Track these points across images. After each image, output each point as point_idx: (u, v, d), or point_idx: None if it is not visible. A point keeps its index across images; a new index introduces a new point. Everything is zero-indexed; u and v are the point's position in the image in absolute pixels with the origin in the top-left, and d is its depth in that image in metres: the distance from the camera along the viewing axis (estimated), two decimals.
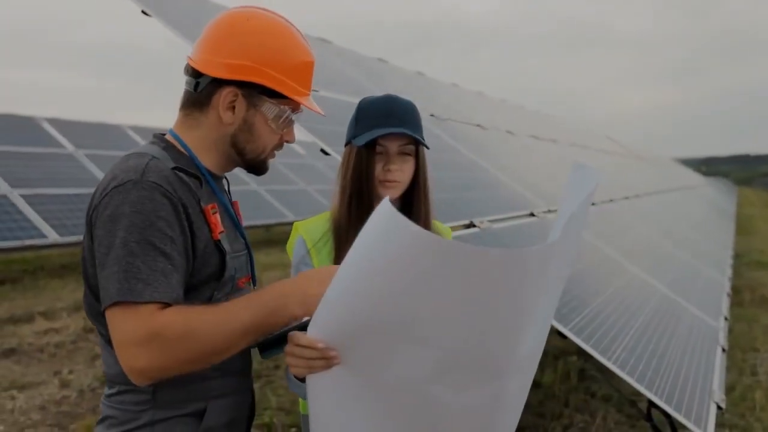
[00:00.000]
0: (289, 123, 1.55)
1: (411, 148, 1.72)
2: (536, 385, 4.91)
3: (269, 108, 1.49)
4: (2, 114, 10.51)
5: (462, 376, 1.33)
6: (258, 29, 1.48)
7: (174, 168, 1.40)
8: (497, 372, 1.35)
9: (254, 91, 1.47)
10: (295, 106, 1.52)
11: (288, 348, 1.34)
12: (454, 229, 3.08)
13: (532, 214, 3.98)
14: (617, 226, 5.43)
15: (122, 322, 1.28)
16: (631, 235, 5.38)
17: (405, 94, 5.87)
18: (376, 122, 1.68)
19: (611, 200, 6.38)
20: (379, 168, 1.70)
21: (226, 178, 1.70)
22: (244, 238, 1.62)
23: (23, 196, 8.91)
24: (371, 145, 1.70)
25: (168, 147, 1.48)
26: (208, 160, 1.52)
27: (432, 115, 5.12)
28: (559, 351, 5.57)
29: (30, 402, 4.57)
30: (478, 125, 6.02)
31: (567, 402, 4.67)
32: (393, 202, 1.76)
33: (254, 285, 1.66)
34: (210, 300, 1.44)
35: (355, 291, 1.23)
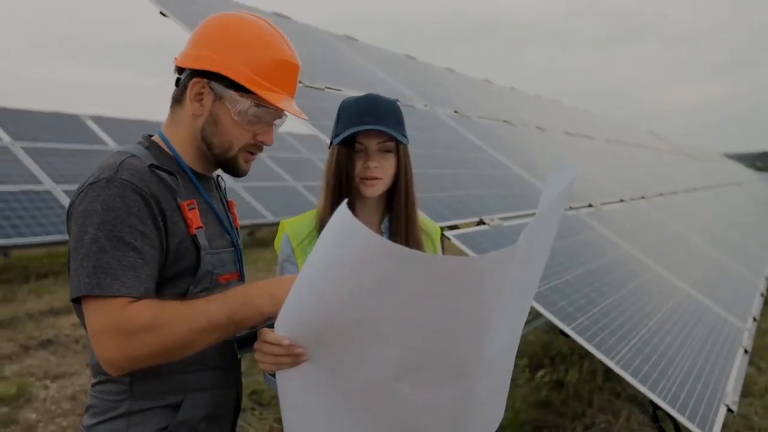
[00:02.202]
0: (260, 121, 1.56)
1: (391, 145, 1.73)
2: (560, 384, 4.87)
3: (232, 100, 1.51)
4: (49, 112, 10.86)
5: (427, 375, 1.34)
6: (233, 27, 1.53)
7: (150, 165, 1.45)
8: (463, 372, 1.36)
9: (222, 84, 1.50)
10: (261, 102, 1.53)
11: (256, 344, 1.37)
12: (464, 226, 3.08)
13: None
14: (645, 223, 5.33)
15: (94, 314, 1.34)
16: (659, 233, 5.28)
17: (432, 91, 5.85)
18: (354, 121, 1.71)
19: (643, 197, 6.26)
20: (359, 166, 1.72)
21: (221, 178, 1.77)
22: (231, 236, 1.65)
23: (66, 192, 9.18)
24: (351, 143, 1.72)
25: (151, 146, 1.54)
26: (189, 157, 1.57)
27: (456, 112, 5.10)
28: (585, 350, 5.50)
29: (62, 392, 4.72)
30: (505, 121, 5.97)
31: (591, 402, 4.61)
32: (374, 199, 1.78)
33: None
34: (186, 293, 1.47)
35: (315, 292, 1.26)
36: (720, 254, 5.89)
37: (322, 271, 1.22)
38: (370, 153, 1.72)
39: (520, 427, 4.13)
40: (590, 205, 4.67)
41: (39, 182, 9.12)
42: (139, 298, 1.36)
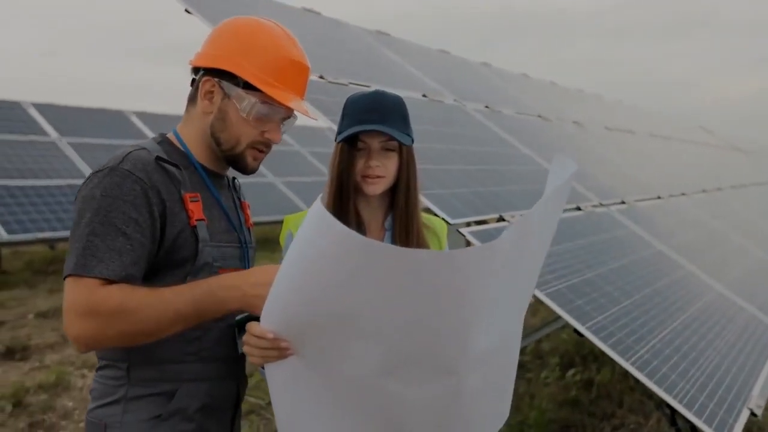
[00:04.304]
0: (268, 119, 1.61)
1: (394, 144, 1.72)
2: (589, 383, 4.80)
3: (239, 96, 1.56)
4: (94, 108, 11.16)
5: (413, 370, 1.34)
6: (244, 29, 1.61)
7: (157, 157, 1.52)
8: (449, 368, 1.35)
9: (231, 83, 1.56)
10: (268, 100, 1.57)
11: (245, 337, 1.39)
12: (485, 222, 3.05)
13: (578, 208, 3.88)
14: (682, 221, 5.20)
15: (69, 292, 1.41)
16: (697, 230, 5.14)
17: (463, 86, 5.79)
18: (357, 119, 1.70)
19: (683, 194, 6.11)
20: (361, 164, 1.72)
21: (235, 179, 1.82)
22: (239, 234, 1.68)
23: None
24: (353, 141, 1.72)
25: (163, 142, 1.62)
26: (200, 153, 1.63)
27: (487, 107, 5.05)
28: None
29: None
30: (539, 116, 5.89)
31: (621, 402, 4.53)
32: (377, 197, 1.77)
33: None
34: (183, 282, 1.50)
35: (295, 286, 1.27)
36: (764, 253, 5.70)
37: (300, 266, 1.24)
38: (372, 152, 1.72)
39: (546, 426, 4.08)
40: (623, 202, 4.58)
41: (84, 177, 9.37)
42: (116, 282, 1.41)
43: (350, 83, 3.57)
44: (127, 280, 1.43)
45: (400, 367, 1.33)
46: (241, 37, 1.58)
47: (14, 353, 5.49)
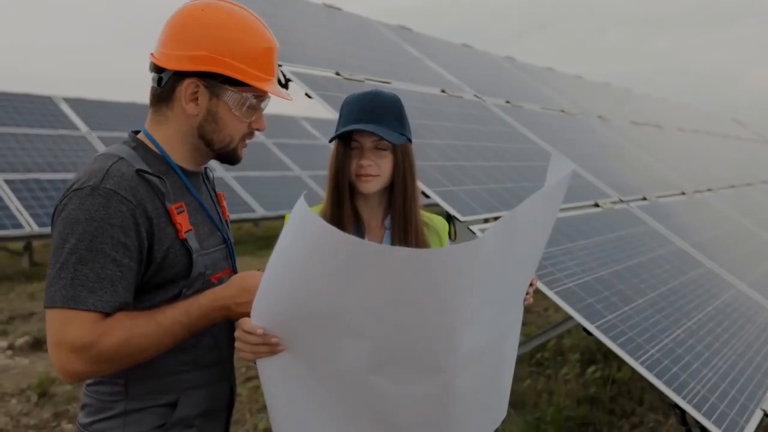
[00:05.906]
0: (255, 110, 1.58)
1: (386, 143, 1.73)
2: (611, 380, 4.76)
3: (231, 96, 1.51)
4: (124, 102, 11.34)
5: (401, 368, 1.35)
6: (213, 20, 1.50)
7: (138, 170, 1.44)
8: (437, 366, 1.36)
9: (215, 81, 1.50)
10: (257, 93, 1.54)
11: (236, 333, 1.41)
12: (495, 219, 3.04)
13: (596, 205, 3.84)
14: (706, 217, 5.11)
15: (62, 326, 1.35)
16: (721, 227, 5.05)
17: (484, 81, 5.74)
18: (351, 118, 1.72)
19: (709, 190, 6.01)
20: (355, 163, 1.74)
21: (209, 169, 1.76)
22: (222, 232, 1.65)
23: None
24: (348, 140, 1.74)
25: (138, 146, 1.53)
26: (179, 154, 1.56)
27: (507, 102, 5.02)
28: None
29: None
30: (562, 111, 5.84)
31: (641, 400, 4.49)
32: (372, 195, 1.79)
33: None
34: (178, 296, 1.48)
35: (282, 283, 1.30)
36: None
37: (286, 263, 1.27)
38: (365, 151, 1.74)
39: (563, 423, 4.06)
40: (644, 198, 4.52)
41: None
42: (111, 314, 1.37)
43: (366, 80, 3.57)
44: (122, 308, 1.39)
45: (388, 364, 1.34)
46: (214, 30, 1.48)
47: (42, 344, 5.62)
